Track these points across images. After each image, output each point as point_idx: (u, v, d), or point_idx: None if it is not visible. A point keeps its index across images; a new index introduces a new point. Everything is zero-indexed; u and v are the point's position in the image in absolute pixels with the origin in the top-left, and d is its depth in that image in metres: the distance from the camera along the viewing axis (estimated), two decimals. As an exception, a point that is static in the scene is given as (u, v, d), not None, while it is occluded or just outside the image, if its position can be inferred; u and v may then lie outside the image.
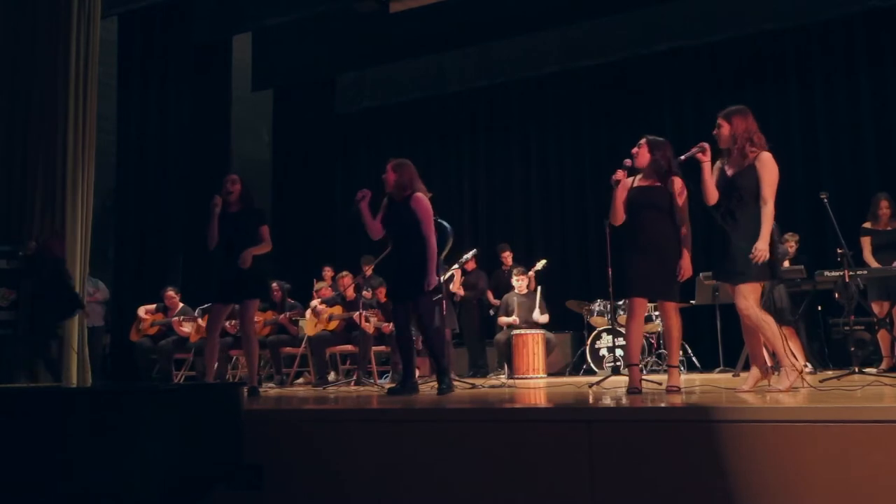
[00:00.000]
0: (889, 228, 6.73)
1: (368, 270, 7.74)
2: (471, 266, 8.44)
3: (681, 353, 7.93)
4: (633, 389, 4.21)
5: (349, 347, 7.72)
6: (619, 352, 7.64)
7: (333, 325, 7.67)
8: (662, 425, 2.94)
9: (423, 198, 5.03)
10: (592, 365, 8.30)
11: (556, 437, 3.02)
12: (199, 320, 8.08)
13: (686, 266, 4.27)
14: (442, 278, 6.40)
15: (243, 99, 11.49)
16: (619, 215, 4.40)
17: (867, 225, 6.84)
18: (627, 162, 4.41)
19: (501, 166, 11.14)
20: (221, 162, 10.35)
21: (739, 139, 4.06)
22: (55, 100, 7.59)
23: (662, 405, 3.45)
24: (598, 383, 5.70)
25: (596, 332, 8.45)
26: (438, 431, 3.25)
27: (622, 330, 7.42)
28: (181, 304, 8.44)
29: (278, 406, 4.32)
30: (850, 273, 5.88)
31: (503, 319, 8.44)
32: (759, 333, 4.09)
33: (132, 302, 8.94)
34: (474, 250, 8.20)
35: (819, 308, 7.38)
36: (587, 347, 8.43)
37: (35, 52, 7.67)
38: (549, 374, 8.20)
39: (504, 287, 8.80)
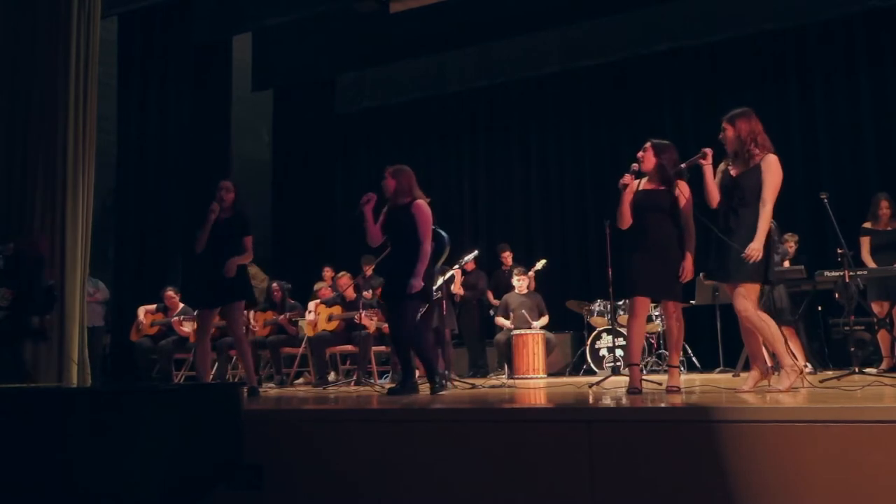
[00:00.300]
0: (889, 228, 6.73)
1: (368, 270, 7.74)
2: (470, 266, 8.45)
3: (681, 353, 7.99)
4: (633, 389, 4.22)
5: (349, 347, 7.72)
6: (619, 352, 7.64)
7: (333, 325, 7.67)
8: (662, 425, 2.94)
9: (424, 205, 5.07)
10: (592, 365, 8.30)
11: (556, 437, 3.02)
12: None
13: (688, 267, 4.28)
14: (441, 280, 6.41)
15: (243, 99, 11.49)
16: (627, 219, 4.42)
17: (867, 225, 6.84)
18: (635, 166, 4.42)
19: (501, 166, 11.14)
20: (221, 162, 10.36)
21: (745, 141, 4.07)
22: (55, 100, 7.58)
23: (662, 405, 3.45)
24: (598, 383, 5.70)
25: (596, 332, 8.45)
26: (438, 431, 3.25)
27: (622, 330, 7.44)
28: (181, 305, 8.44)
29: (278, 406, 4.32)
30: (850, 273, 5.88)
31: (501, 321, 8.44)
32: (759, 334, 4.09)
33: (132, 302, 8.94)
34: (475, 252, 8.20)
35: (819, 308, 7.38)
36: (587, 347, 8.43)
37: (35, 52, 7.65)
38: (549, 374, 8.20)
39: (504, 287, 8.80)
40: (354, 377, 7.31)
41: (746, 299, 4.01)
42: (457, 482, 3.13)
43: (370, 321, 7.36)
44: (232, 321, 5.52)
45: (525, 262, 8.89)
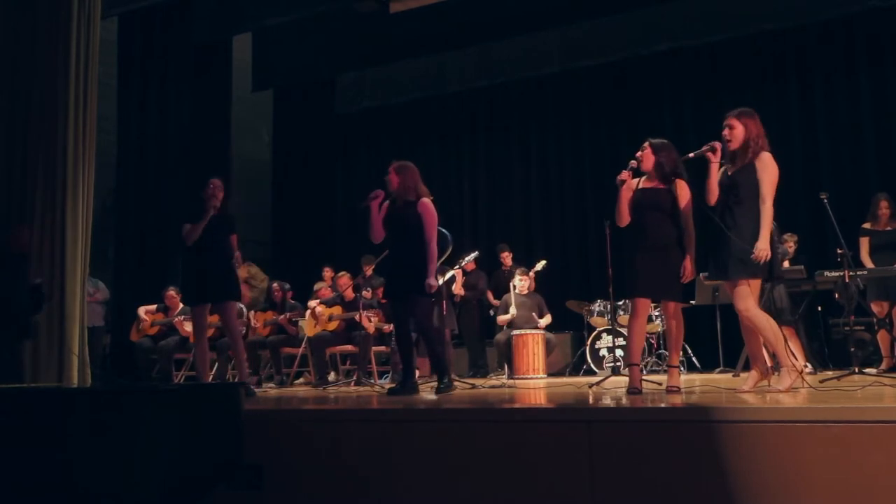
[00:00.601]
0: (888, 229, 6.73)
1: (368, 270, 7.74)
2: (470, 266, 8.44)
3: (681, 353, 7.98)
4: (633, 389, 4.22)
5: (349, 347, 7.72)
6: (619, 352, 7.64)
7: (333, 325, 7.67)
8: (662, 425, 2.94)
9: (430, 204, 5.06)
10: (592, 365, 8.30)
11: (556, 437, 3.02)
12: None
13: (689, 267, 4.28)
14: (441, 280, 6.41)
15: (243, 99, 11.49)
16: (625, 216, 4.42)
17: (867, 225, 6.84)
18: (633, 163, 4.42)
19: (501, 166, 11.14)
20: (221, 162, 10.35)
21: (752, 142, 4.08)
22: (55, 100, 7.57)
23: (662, 405, 3.45)
24: (598, 383, 5.70)
25: (596, 332, 8.45)
26: (438, 431, 3.25)
27: (622, 330, 7.44)
28: (182, 304, 8.44)
29: (278, 406, 4.32)
30: (850, 273, 5.88)
31: (502, 318, 8.44)
32: (759, 334, 4.09)
33: (132, 302, 8.94)
34: (475, 253, 8.20)
35: (819, 308, 7.38)
36: (587, 348, 8.43)
37: (35, 52, 7.65)
38: (549, 375, 8.20)
39: (504, 287, 8.80)
40: (354, 377, 7.31)
41: (747, 299, 4.01)
42: (457, 482, 3.13)
43: (369, 322, 7.36)
44: (226, 320, 5.54)
45: (525, 263, 8.89)
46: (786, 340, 4.09)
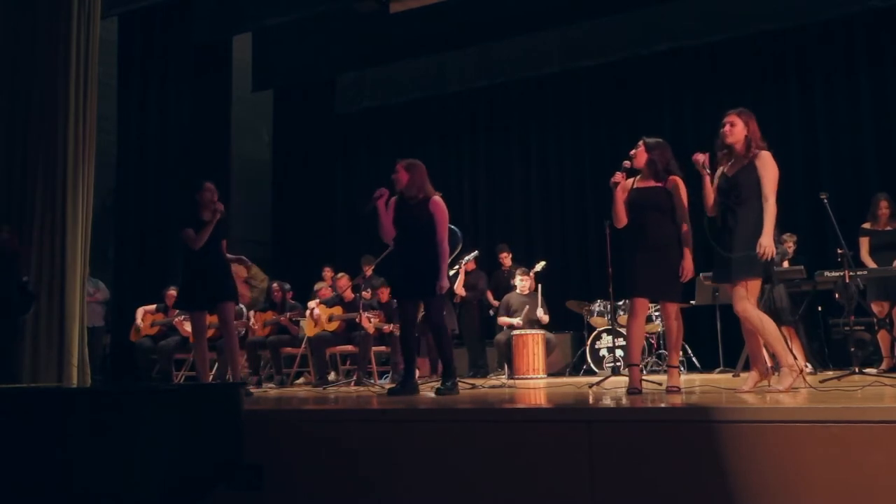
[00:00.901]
0: (888, 228, 6.73)
1: (368, 271, 7.74)
2: (471, 266, 8.44)
3: (681, 353, 7.98)
4: (633, 390, 4.21)
5: (349, 348, 7.72)
6: (619, 352, 7.63)
7: (334, 325, 7.67)
8: (662, 425, 2.94)
9: (441, 202, 5.01)
10: (592, 365, 8.30)
11: (556, 437, 3.02)
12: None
13: (688, 266, 4.27)
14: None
15: (243, 99, 11.49)
16: (622, 217, 4.41)
17: (866, 225, 6.84)
18: (626, 163, 4.42)
19: (501, 166, 11.14)
20: (221, 162, 10.36)
21: (750, 140, 4.08)
22: (55, 100, 7.58)
23: (662, 405, 3.45)
24: (598, 383, 5.70)
25: (596, 332, 8.45)
26: (438, 431, 3.25)
27: (622, 330, 7.43)
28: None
29: (278, 406, 4.32)
30: (850, 273, 5.88)
31: (504, 320, 8.43)
32: (759, 335, 4.09)
33: (132, 302, 8.94)
34: (475, 252, 8.20)
35: (819, 308, 7.38)
36: (587, 348, 8.43)
37: (35, 52, 7.66)
38: (549, 375, 8.20)
39: (503, 288, 8.80)
40: (354, 377, 7.31)
41: (747, 300, 4.00)
42: (457, 482, 3.13)
43: (369, 322, 7.36)
44: (224, 321, 5.55)
45: (525, 263, 8.89)
46: (786, 340, 4.09)
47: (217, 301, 5.51)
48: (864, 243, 6.79)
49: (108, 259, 10.20)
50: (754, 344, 4.20)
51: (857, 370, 5.36)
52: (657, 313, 7.87)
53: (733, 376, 6.36)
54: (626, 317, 6.00)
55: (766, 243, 3.94)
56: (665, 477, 2.84)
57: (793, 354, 4.17)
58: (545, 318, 8.35)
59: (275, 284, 8.23)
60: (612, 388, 5.21)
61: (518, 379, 7.53)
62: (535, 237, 10.67)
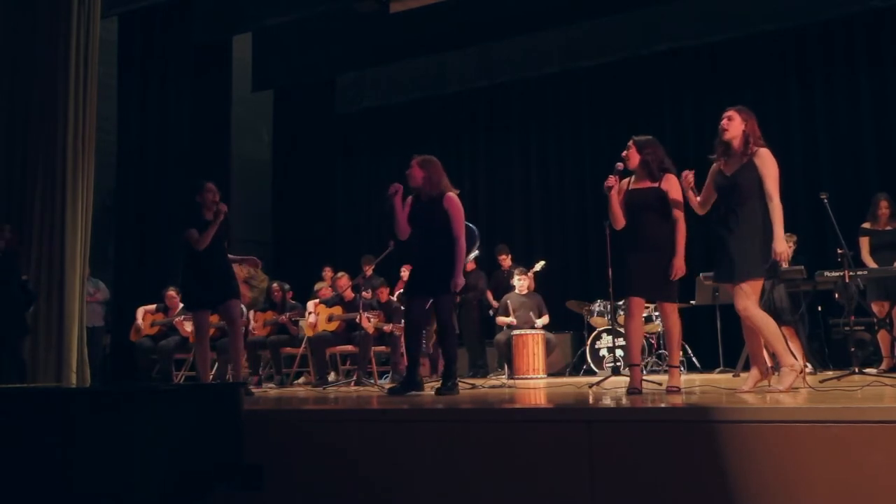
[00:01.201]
0: (888, 228, 6.73)
1: (369, 270, 7.73)
2: (471, 266, 8.44)
3: (681, 353, 7.98)
4: (633, 390, 4.21)
5: (349, 347, 7.72)
6: (619, 352, 7.63)
7: (334, 325, 7.67)
8: (662, 425, 2.94)
9: (455, 198, 4.96)
10: (592, 365, 8.30)
11: (556, 437, 3.02)
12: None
13: (679, 265, 4.24)
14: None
15: (243, 99, 11.49)
16: (619, 219, 4.40)
17: (866, 225, 6.83)
18: (619, 165, 4.42)
19: (501, 166, 11.15)
20: (221, 162, 10.36)
21: (748, 138, 4.07)
22: (55, 100, 7.58)
23: (662, 405, 3.45)
24: (598, 383, 5.70)
25: (596, 332, 8.45)
26: (438, 431, 3.25)
27: (622, 330, 7.43)
28: (181, 304, 8.44)
29: (278, 406, 4.32)
30: (850, 273, 5.88)
31: (502, 319, 8.44)
32: (759, 334, 4.08)
33: (132, 302, 8.94)
34: (476, 252, 8.19)
35: (819, 308, 7.38)
36: (587, 348, 8.42)
37: (35, 52, 7.66)
38: (549, 375, 8.20)
39: (503, 288, 8.80)
40: (354, 377, 7.31)
41: (747, 299, 4.00)
42: (457, 482, 3.13)
43: (369, 322, 7.35)
44: (231, 319, 5.55)
45: (525, 263, 8.89)
46: (786, 340, 4.09)
47: (222, 300, 5.50)
48: (864, 243, 6.79)
49: (108, 259, 10.20)
50: (755, 343, 4.20)
51: (857, 370, 5.36)
52: (657, 313, 7.87)
53: (733, 376, 6.36)
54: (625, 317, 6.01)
55: (781, 249, 3.94)
56: (665, 477, 2.84)
57: (793, 354, 4.16)
58: (540, 321, 8.34)
59: (275, 284, 8.23)
60: (612, 388, 5.21)
61: (518, 379, 7.54)
62: (535, 237, 10.67)
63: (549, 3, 9.79)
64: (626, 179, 4.45)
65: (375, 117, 11.88)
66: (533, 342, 8.11)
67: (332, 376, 7.84)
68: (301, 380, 8.25)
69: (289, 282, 8.40)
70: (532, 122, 11.04)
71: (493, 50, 10.81)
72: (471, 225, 5.51)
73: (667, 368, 4.67)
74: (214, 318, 6.49)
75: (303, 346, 7.82)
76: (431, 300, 4.98)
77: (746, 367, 4.94)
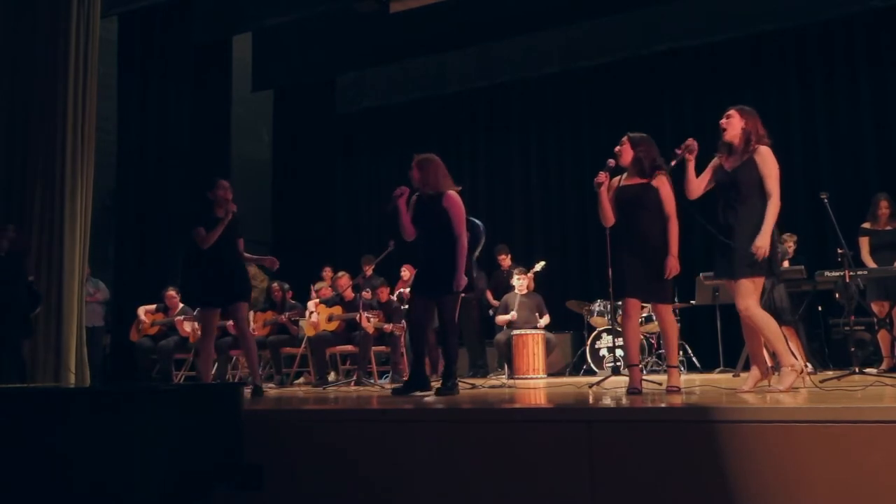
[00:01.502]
0: (888, 228, 6.73)
1: (369, 270, 7.74)
2: (471, 266, 8.44)
3: (681, 353, 7.98)
4: (633, 390, 4.21)
5: (349, 347, 7.72)
6: (619, 352, 7.63)
7: (334, 325, 7.67)
8: (662, 425, 2.94)
9: (455, 196, 4.94)
10: (592, 365, 8.30)
11: (556, 437, 3.02)
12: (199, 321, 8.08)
13: (672, 264, 4.21)
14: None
15: (243, 99, 11.50)
16: (609, 217, 4.38)
17: (866, 225, 6.84)
18: (611, 162, 4.41)
19: (501, 166, 11.15)
20: (221, 162, 10.36)
21: (748, 136, 4.07)
22: (55, 100, 7.59)
23: (662, 405, 3.44)
24: (598, 383, 5.70)
25: (596, 332, 8.44)
26: (438, 431, 3.25)
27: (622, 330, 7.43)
28: (181, 304, 8.45)
29: (278, 406, 4.32)
30: (851, 273, 5.88)
31: (502, 318, 8.43)
32: (759, 334, 4.08)
33: (132, 302, 8.94)
34: (476, 252, 8.18)
35: (819, 308, 7.38)
36: (587, 347, 8.42)
37: (35, 52, 7.67)
38: (549, 375, 8.20)
39: (503, 288, 8.80)
40: (354, 377, 7.31)
41: (748, 298, 3.99)
42: (457, 482, 3.13)
43: (368, 322, 7.36)
44: (238, 320, 5.54)
45: (525, 263, 8.89)
46: (786, 340, 4.08)
47: (231, 301, 5.49)
48: (864, 243, 6.79)
49: (108, 259, 10.20)
50: (755, 343, 4.20)
51: (857, 370, 5.35)
52: (656, 313, 7.87)
53: (733, 376, 6.36)
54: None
55: (762, 243, 3.91)
56: (665, 477, 2.84)
57: (793, 354, 4.16)
58: (541, 322, 8.35)
59: (274, 284, 8.23)
60: (612, 388, 5.21)
61: (518, 379, 7.53)
62: (535, 237, 10.67)
63: (549, 3, 9.80)
64: (617, 177, 4.43)
65: (375, 117, 11.89)
66: (533, 342, 8.11)
67: (332, 376, 7.84)
68: (301, 380, 8.25)
69: (289, 282, 8.40)
70: (532, 122, 11.04)
71: (493, 50, 10.82)
72: (476, 221, 5.50)
73: (667, 368, 4.66)
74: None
75: (303, 345, 7.82)
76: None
77: (746, 367, 4.94)
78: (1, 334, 6.64)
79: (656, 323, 7.96)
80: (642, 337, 7.55)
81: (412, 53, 10.79)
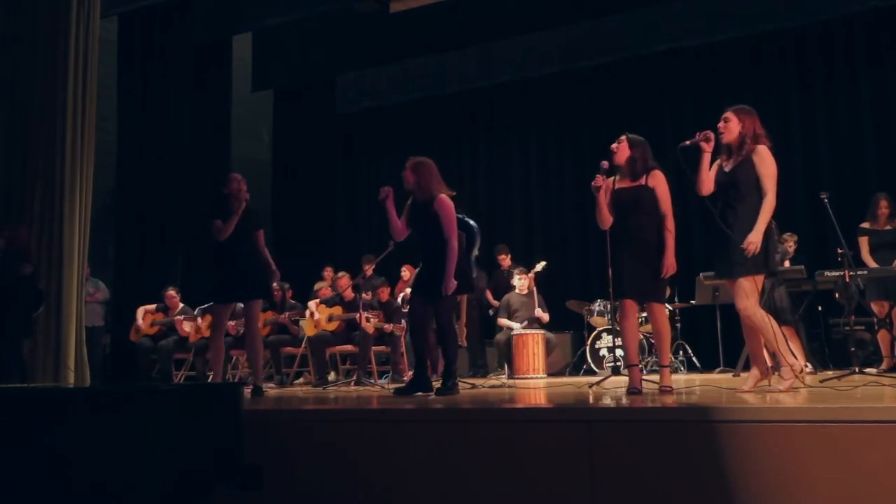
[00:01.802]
0: (888, 228, 6.73)
1: (369, 270, 7.73)
2: (470, 266, 8.44)
3: (681, 352, 7.98)
4: (633, 390, 4.21)
5: (349, 347, 7.72)
6: (619, 352, 7.63)
7: (334, 325, 7.67)
8: (662, 425, 2.94)
9: (446, 200, 4.95)
10: (592, 365, 8.29)
11: (556, 437, 3.02)
12: (199, 320, 8.08)
13: (669, 263, 4.22)
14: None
15: (243, 99, 11.50)
16: (606, 219, 4.39)
17: (865, 225, 6.84)
18: (604, 164, 4.42)
19: (501, 166, 11.15)
20: (221, 162, 10.36)
21: (748, 137, 4.07)
22: (55, 100, 7.58)
23: (662, 405, 3.44)
24: (598, 383, 5.70)
25: (596, 332, 8.44)
26: (438, 431, 3.25)
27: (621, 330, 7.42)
28: (181, 304, 8.45)
29: (278, 406, 4.32)
30: (851, 273, 5.88)
31: (504, 322, 8.43)
32: (759, 333, 4.08)
33: (132, 302, 8.94)
34: (475, 252, 8.18)
35: (819, 308, 7.38)
36: (587, 347, 8.42)
37: (35, 52, 7.66)
38: (549, 374, 8.20)
39: (503, 288, 8.80)
40: (354, 377, 7.31)
41: (747, 298, 4.00)
42: (457, 482, 3.13)
43: (368, 322, 7.36)
44: (250, 318, 5.53)
45: (525, 263, 8.89)
46: (786, 340, 4.08)
47: (247, 298, 5.47)
48: (864, 243, 6.79)
49: (108, 259, 10.19)
50: (755, 343, 4.20)
51: (857, 370, 5.36)
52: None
53: (733, 376, 6.36)
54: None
55: (753, 239, 3.93)
56: (665, 477, 2.84)
57: (793, 354, 4.16)
58: (545, 317, 8.37)
59: (275, 284, 8.22)
60: (612, 388, 5.21)
61: (518, 379, 7.53)
62: (535, 237, 10.67)
63: (549, 3, 9.80)
64: (612, 179, 4.44)
65: (375, 117, 11.89)
66: (533, 342, 8.11)
67: (332, 376, 7.84)
68: (301, 380, 8.25)
69: (289, 282, 8.40)
70: (532, 122, 11.04)
71: (493, 50, 10.82)
72: (471, 222, 5.50)
73: (659, 368, 4.63)
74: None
75: (303, 345, 7.82)
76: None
77: (746, 367, 4.94)
78: (1, 333, 6.64)
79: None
80: (642, 337, 7.54)
81: (412, 53, 10.79)
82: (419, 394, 4.89)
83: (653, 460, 2.87)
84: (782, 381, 3.99)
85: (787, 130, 9.09)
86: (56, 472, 2.70)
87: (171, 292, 8.43)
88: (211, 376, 5.68)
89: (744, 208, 4.04)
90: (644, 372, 6.13)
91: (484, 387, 6.15)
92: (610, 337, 8.09)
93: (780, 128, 8.84)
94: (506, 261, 9.14)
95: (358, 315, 7.30)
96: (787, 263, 6.82)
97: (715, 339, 7.65)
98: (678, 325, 7.99)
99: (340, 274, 8.07)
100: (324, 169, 12.00)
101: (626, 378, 4.47)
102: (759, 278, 4.07)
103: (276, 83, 11.86)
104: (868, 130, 8.97)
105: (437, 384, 5.05)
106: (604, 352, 8.29)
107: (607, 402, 3.97)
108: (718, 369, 7.42)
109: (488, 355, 8.86)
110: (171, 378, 8.00)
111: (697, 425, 2.87)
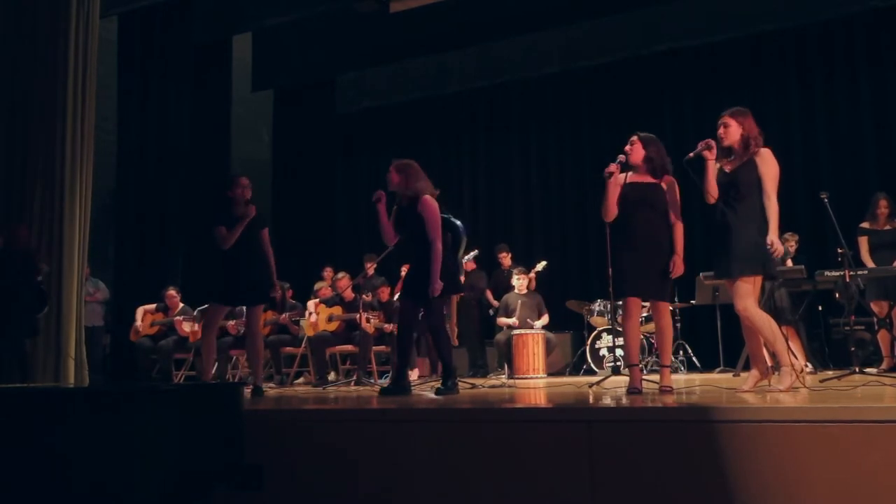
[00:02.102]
0: (887, 228, 6.73)
1: (371, 269, 7.73)
2: (470, 266, 8.45)
3: (681, 352, 7.98)
4: (633, 389, 4.21)
5: (349, 347, 7.72)
6: (619, 352, 7.63)
7: (334, 325, 7.67)
8: (662, 425, 2.94)
9: (430, 201, 4.95)
10: (592, 365, 8.30)
11: (556, 437, 3.02)
12: (199, 321, 8.08)
13: (678, 264, 4.22)
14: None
15: (243, 99, 11.50)
16: (612, 211, 4.35)
17: (865, 225, 6.84)
18: (622, 157, 4.39)
19: (501, 166, 11.15)
20: (221, 162, 10.37)
21: (752, 139, 4.07)
22: (55, 100, 7.58)
23: (662, 405, 3.44)
24: (598, 383, 5.70)
25: (596, 332, 8.44)
26: (438, 431, 3.25)
27: (622, 330, 7.43)
28: (181, 304, 8.45)
29: (278, 406, 4.32)
30: (851, 273, 5.88)
31: (503, 320, 8.44)
32: (759, 333, 4.08)
33: (132, 302, 8.94)
34: (475, 252, 8.20)
35: (819, 308, 7.38)
36: (587, 347, 8.42)
37: (35, 52, 7.66)
38: (549, 374, 8.20)
39: (503, 287, 8.80)
40: (354, 377, 7.31)
41: (746, 298, 4.00)
42: (457, 482, 3.13)
43: (368, 322, 7.35)
44: (253, 321, 5.53)
45: (525, 263, 8.89)
46: (786, 340, 4.09)
47: (251, 302, 5.49)
48: (863, 243, 6.79)
49: (108, 259, 10.20)
50: (754, 343, 4.20)
51: (857, 370, 5.36)
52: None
53: (733, 376, 6.36)
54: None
55: (775, 239, 3.93)
56: (665, 477, 2.84)
57: (793, 354, 4.16)
58: (540, 322, 8.36)
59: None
60: (612, 388, 5.21)
61: (518, 379, 7.53)
62: (535, 237, 10.67)
63: (549, 3, 9.80)
64: (624, 174, 4.41)
65: (375, 117, 11.89)
66: (533, 342, 8.11)
67: (332, 376, 7.84)
68: (301, 380, 8.25)
69: (289, 282, 8.40)
70: (532, 122, 11.04)
71: (493, 50, 10.82)
72: (457, 222, 5.48)
73: (660, 368, 4.63)
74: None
75: (303, 345, 7.82)
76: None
77: (746, 367, 4.94)
78: (3, 333, 6.63)
79: (655, 323, 7.99)
80: (642, 337, 7.54)
81: (412, 53, 10.79)
82: (404, 395, 4.90)
83: (653, 460, 2.87)
84: (782, 381, 3.99)
85: (787, 130, 9.10)
86: (56, 472, 2.69)
87: (171, 292, 8.44)
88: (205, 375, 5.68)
89: (743, 209, 4.04)
90: (644, 372, 6.13)
91: (484, 387, 6.15)
92: (610, 337, 8.09)
93: (780, 128, 8.85)
94: (506, 260, 9.14)
95: (358, 315, 7.30)
96: (789, 263, 6.82)
97: (715, 339, 7.65)
98: (678, 324, 7.99)
99: (340, 274, 8.07)
100: (324, 169, 12.00)
101: (627, 378, 4.46)
102: (758, 279, 4.07)
103: (276, 83, 11.86)
104: (868, 130, 8.98)
105: (437, 384, 5.06)
106: (604, 352, 8.29)
107: (607, 402, 3.97)
108: (718, 369, 7.42)
109: (488, 355, 8.86)
110: (171, 378, 8.00)
111: (697, 425, 2.87)
